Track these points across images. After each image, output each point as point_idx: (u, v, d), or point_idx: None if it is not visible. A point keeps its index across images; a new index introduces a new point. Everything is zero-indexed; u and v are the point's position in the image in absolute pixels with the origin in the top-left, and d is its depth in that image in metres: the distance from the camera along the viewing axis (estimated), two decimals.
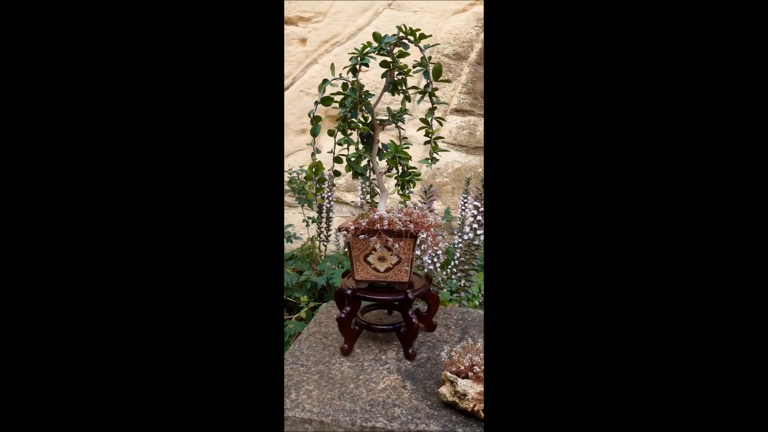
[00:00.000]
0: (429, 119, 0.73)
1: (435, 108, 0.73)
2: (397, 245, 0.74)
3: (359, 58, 0.72)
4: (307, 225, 1.63)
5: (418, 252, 1.35)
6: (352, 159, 0.78)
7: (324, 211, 1.63)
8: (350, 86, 0.76)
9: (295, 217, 1.91)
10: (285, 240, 1.76)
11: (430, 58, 0.72)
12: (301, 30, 1.83)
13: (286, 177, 1.71)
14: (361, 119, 0.84)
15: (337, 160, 0.82)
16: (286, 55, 1.85)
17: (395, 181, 0.81)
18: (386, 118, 0.81)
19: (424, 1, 1.75)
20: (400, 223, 0.73)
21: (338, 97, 0.78)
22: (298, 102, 1.86)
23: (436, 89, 0.72)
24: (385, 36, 0.73)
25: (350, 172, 0.81)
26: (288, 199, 1.90)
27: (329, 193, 1.68)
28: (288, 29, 1.84)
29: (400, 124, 0.82)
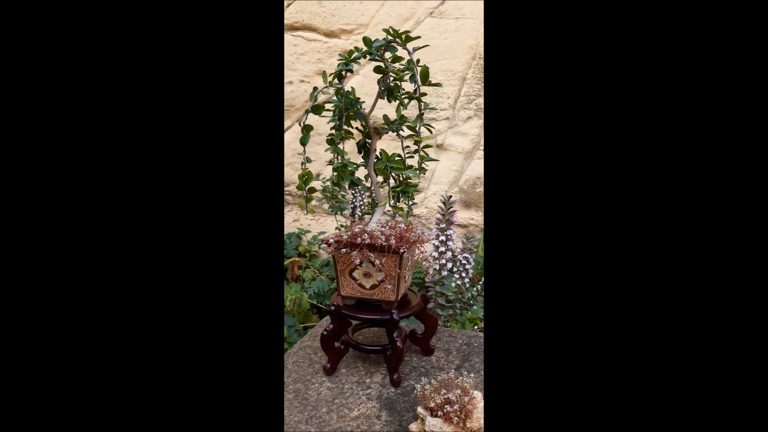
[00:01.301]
0: (416, 126, 0.68)
1: (422, 114, 0.67)
2: (378, 261, 0.69)
3: (345, 64, 0.69)
4: None
5: (443, 258, 1.27)
6: (340, 168, 0.74)
7: (357, 219, 1.61)
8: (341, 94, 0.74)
9: (330, 225, 1.92)
10: (319, 247, 1.77)
11: (418, 60, 0.66)
12: (343, 42, 1.85)
13: (319, 185, 1.72)
14: (360, 128, 0.80)
15: (335, 168, 0.79)
16: (327, 67, 1.88)
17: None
18: (384, 126, 0.77)
19: (466, 3, 1.69)
20: (382, 237, 0.68)
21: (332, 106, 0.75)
22: None
23: (424, 94, 0.66)
24: (375, 40, 0.70)
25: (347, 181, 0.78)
26: (324, 206, 1.92)
27: (361, 201, 1.66)
28: (330, 41, 1.88)
29: (401, 132, 0.78)
